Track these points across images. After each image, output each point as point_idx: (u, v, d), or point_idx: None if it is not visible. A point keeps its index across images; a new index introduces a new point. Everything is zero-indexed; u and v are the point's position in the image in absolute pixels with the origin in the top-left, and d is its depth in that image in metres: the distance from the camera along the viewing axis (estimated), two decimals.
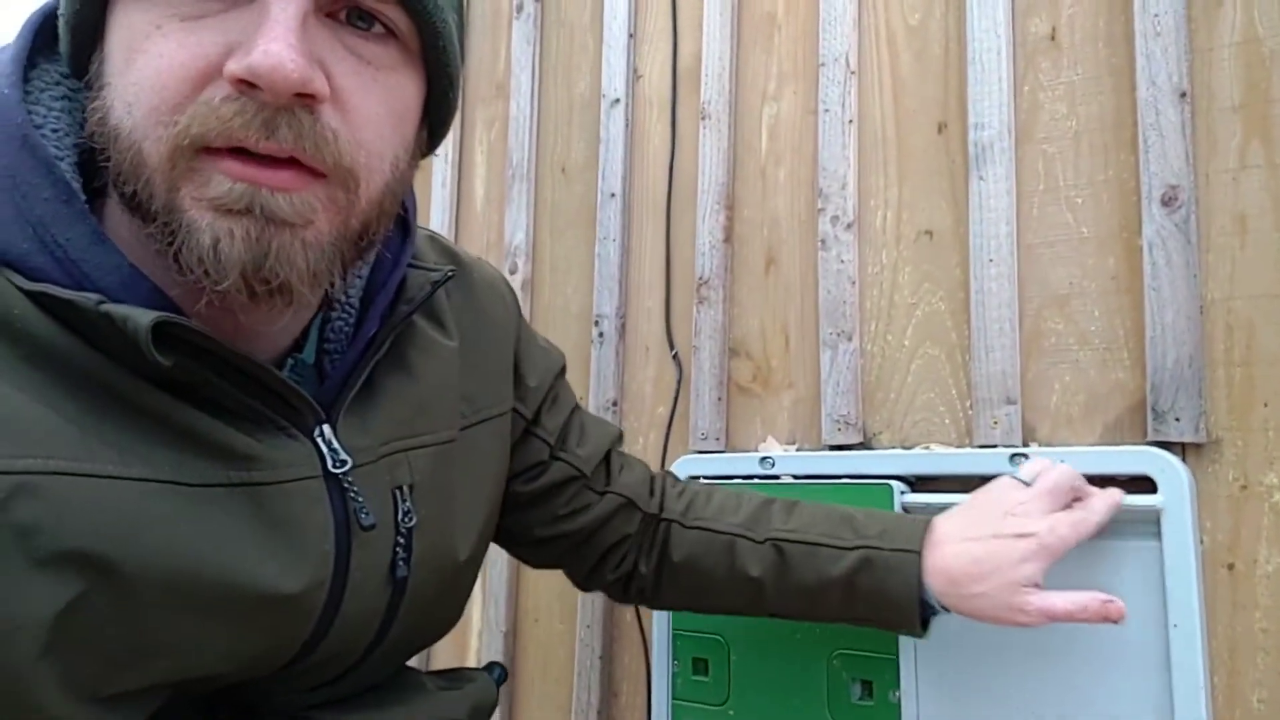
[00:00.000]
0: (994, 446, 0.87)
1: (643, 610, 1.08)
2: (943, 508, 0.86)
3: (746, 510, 0.79)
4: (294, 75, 0.43)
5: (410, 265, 0.60)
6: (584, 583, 0.85)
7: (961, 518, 0.75)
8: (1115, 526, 0.78)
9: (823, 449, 0.99)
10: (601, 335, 1.18)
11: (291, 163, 0.45)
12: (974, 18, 0.94)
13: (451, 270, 0.62)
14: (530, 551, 0.82)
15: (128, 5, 0.45)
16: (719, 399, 1.07)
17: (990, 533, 0.71)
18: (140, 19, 0.44)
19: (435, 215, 1.41)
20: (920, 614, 0.72)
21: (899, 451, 0.93)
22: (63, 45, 0.49)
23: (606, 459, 0.81)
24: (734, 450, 1.06)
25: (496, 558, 1.24)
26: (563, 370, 0.81)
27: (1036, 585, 0.69)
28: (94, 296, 0.44)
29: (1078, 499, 0.75)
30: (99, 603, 0.44)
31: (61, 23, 0.48)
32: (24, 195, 0.45)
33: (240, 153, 0.44)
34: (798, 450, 1.01)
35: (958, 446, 0.91)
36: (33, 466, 0.42)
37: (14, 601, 0.41)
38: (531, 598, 1.23)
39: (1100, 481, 0.81)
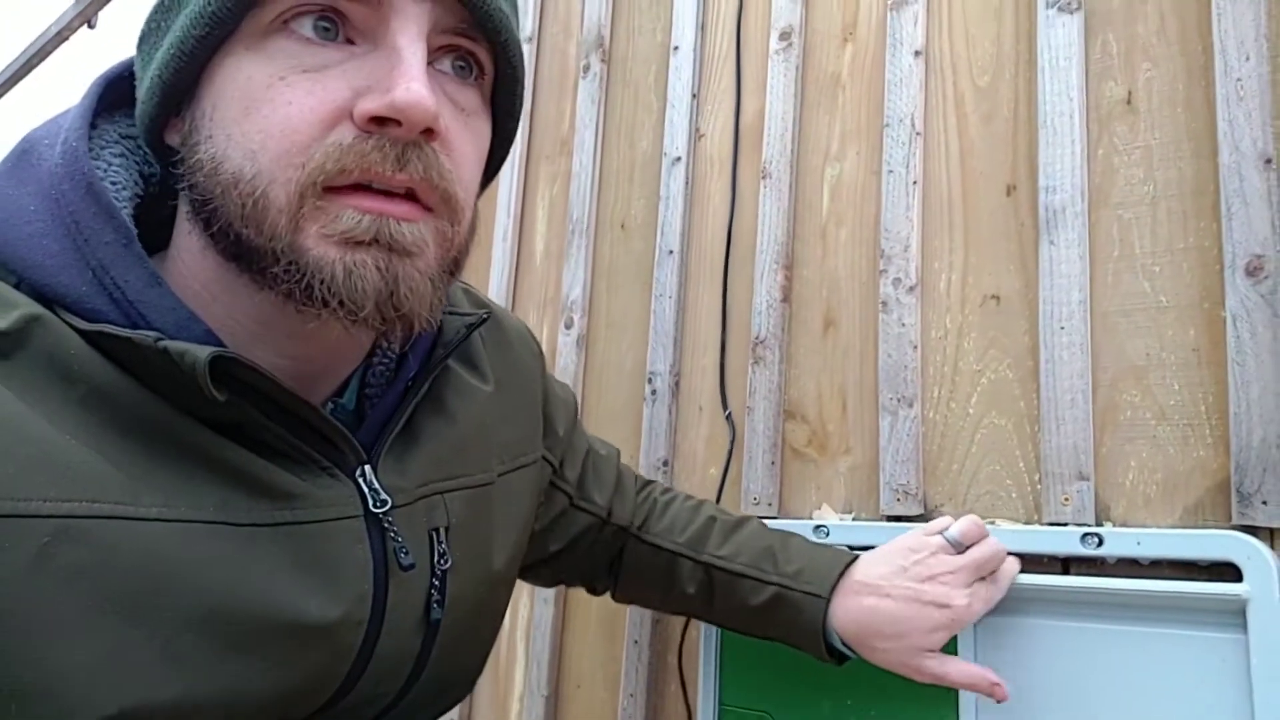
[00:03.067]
0: (1064, 524, 0.83)
1: (688, 683, 1.04)
2: (1010, 588, 0.81)
3: (693, 529, 0.84)
4: (432, 109, 0.46)
5: (446, 312, 0.62)
6: (558, 585, 0.96)
7: (884, 566, 0.76)
8: (1196, 616, 0.73)
9: (880, 519, 0.95)
10: (654, 393, 1.16)
11: (408, 197, 0.48)
12: (1045, 80, 0.92)
13: (485, 314, 0.64)
14: (539, 578, 0.91)
15: (241, 60, 0.47)
16: (772, 463, 1.04)
17: (911, 594, 0.73)
18: (260, 72, 0.46)
19: (495, 269, 1.42)
20: (828, 649, 0.76)
21: None
22: (146, 104, 0.50)
23: (615, 490, 0.86)
24: (787, 516, 1.02)
25: (540, 619, 1.22)
26: (576, 416, 0.85)
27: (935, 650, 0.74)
28: (152, 334, 0.44)
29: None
30: (144, 651, 0.43)
31: (151, 82, 0.50)
32: (86, 239, 0.46)
33: (363, 189, 0.47)
34: (854, 520, 0.97)
35: (1025, 523, 0.86)
36: (77, 510, 0.42)
37: (60, 651, 0.41)
38: (574, 663, 1.19)
39: (1181, 567, 0.76)
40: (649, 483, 0.92)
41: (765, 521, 0.88)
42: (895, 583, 0.74)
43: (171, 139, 0.51)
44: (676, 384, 1.16)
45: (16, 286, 0.46)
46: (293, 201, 0.46)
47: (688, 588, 0.81)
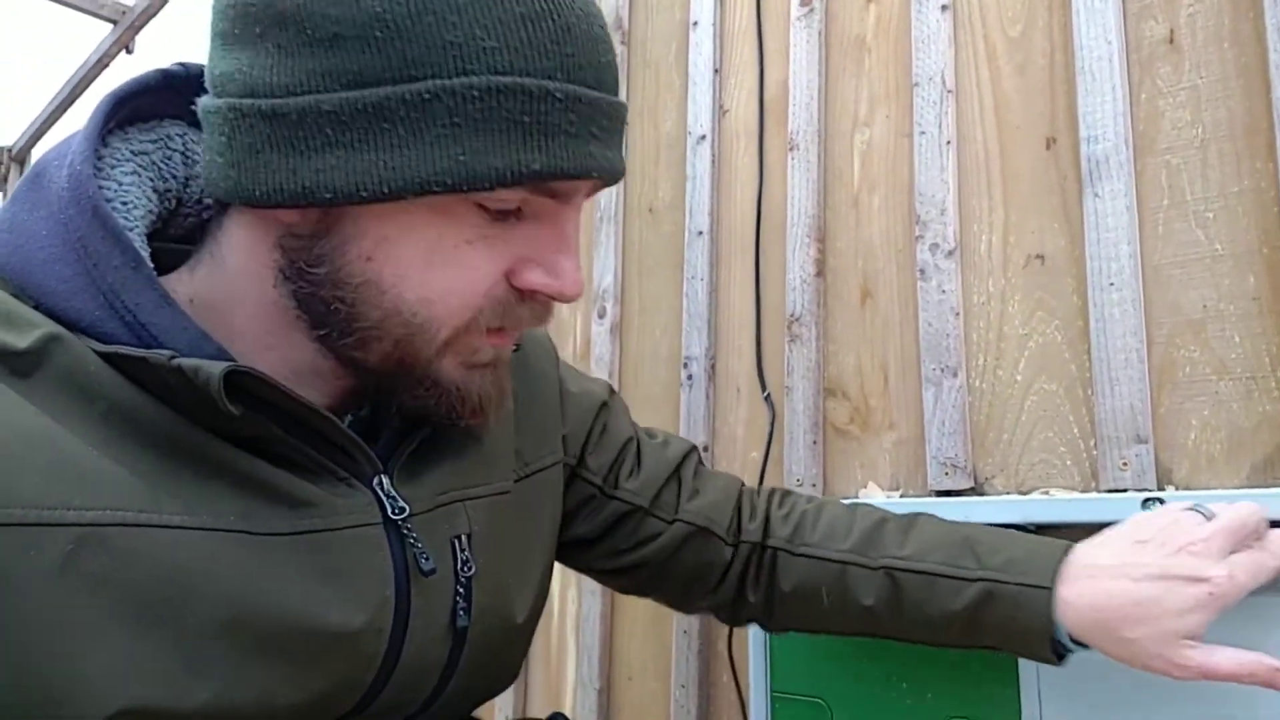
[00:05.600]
0: (1124, 491, 0.78)
1: (739, 671, 1.02)
2: None
3: (859, 532, 0.73)
4: (581, 293, 0.52)
5: None
6: (679, 608, 0.84)
7: (1119, 546, 0.65)
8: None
9: (929, 495, 0.91)
10: (691, 377, 1.14)
11: None
12: (1081, 24, 0.87)
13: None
14: (609, 580, 0.82)
15: (426, 215, 0.48)
16: (814, 441, 1.01)
17: (1157, 571, 0.61)
18: (449, 232, 0.49)
19: None
20: (1053, 649, 0.65)
21: (1015, 497, 0.85)
22: (261, 181, 0.47)
23: (673, 482, 0.77)
24: (832, 496, 0.99)
25: (590, 612, 1.20)
26: (603, 405, 0.78)
27: (1197, 637, 0.60)
28: (166, 352, 0.45)
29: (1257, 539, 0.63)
30: (167, 656, 0.44)
31: (290, 180, 0.46)
32: (95, 264, 0.47)
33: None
34: (902, 496, 0.94)
35: (1082, 491, 0.82)
36: (101, 519, 0.42)
37: (84, 656, 0.41)
38: (625, 654, 1.17)
39: None
40: (785, 493, 0.80)
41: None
42: (1132, 560, 0.62)
43: (286, 215, 0.49)
44: (713, 367, 1.14)
45: (36, 309, 0.47)
46: (448, 335, 0.50)
47: (864, 599, 0.70)
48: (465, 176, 0.45)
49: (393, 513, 0.53)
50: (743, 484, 0.81)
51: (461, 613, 0.58)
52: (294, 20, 0.45)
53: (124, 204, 0.50)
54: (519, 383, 0.69)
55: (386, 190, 0.46)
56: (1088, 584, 0.63)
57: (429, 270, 0.49)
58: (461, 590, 0.58)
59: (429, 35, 0.44)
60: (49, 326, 0.45)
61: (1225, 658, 0.59)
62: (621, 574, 0.78)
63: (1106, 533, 0.67)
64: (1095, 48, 0.86)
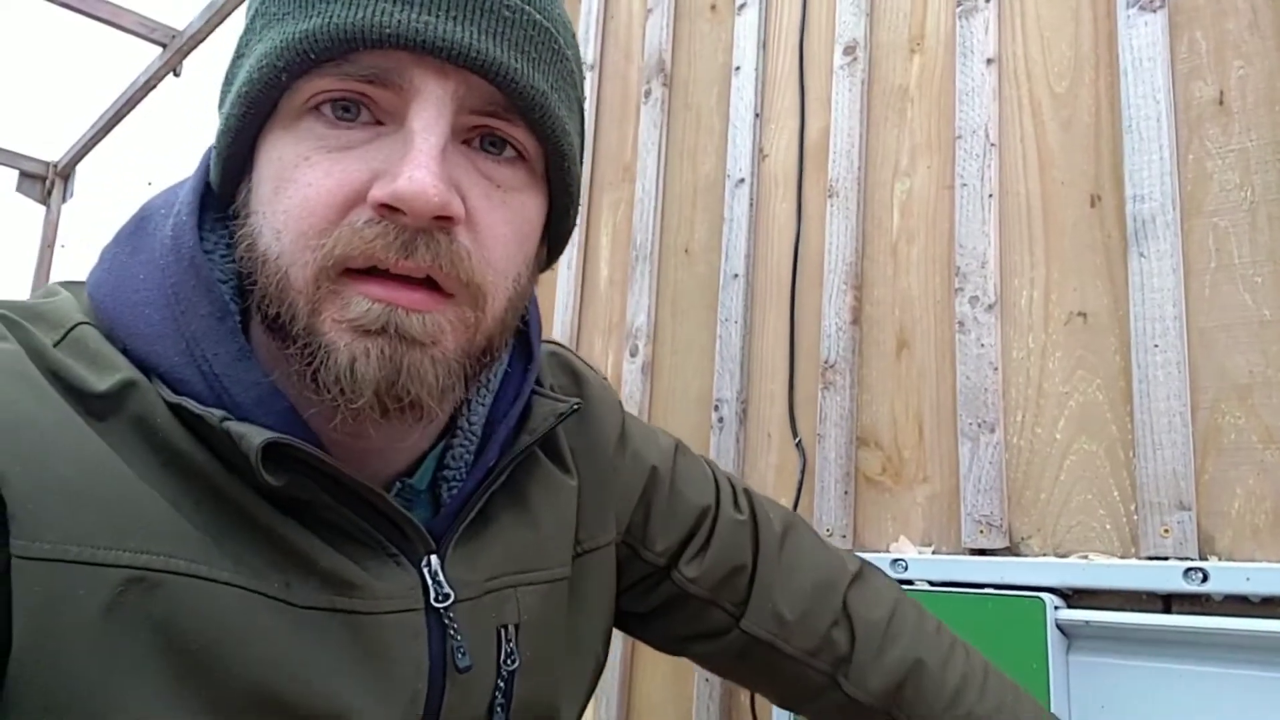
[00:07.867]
0: (1165, 558, 0.77)
1: None
2: (1105, 627, 0.76)
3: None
4: (435, 200, 0.44)
5: (534, 391, 0.59)
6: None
7: None
8: None
9: (962, 552, 0.89)
10: (721, 420, 1.13)
11: (425, 284, 0.47)
12: (1129, 83, 0.87)
13: (577, 403, 0.59)
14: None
15: (277, 139, 0.47)
16: (845, 492, 0.99)
17: None
18: (289, 151, 0.46)
19: (560, 297, 1.41)
20: None
21: (1052, 559, 0.83)
22: (213, 175, 0.51)
23: (742, 573, 0.69)
24: (862, 549, 0.97)
25: (611, 653, 1.19)
26: (653, 472, 0.69)
27: None
28: (218, 413, 0.45)
29: None
30: (195, 705, 0.43)
31: (214, 155, 0.51)
32: (183, 311, 0.47)
33: (379, 275, 0.46)
34: (934, 553, 0.92)
35: (1121, 557, 0.80)
36: (153, 564, 0.42)
37: (114, 693, 0.41)
38: (644, 699, 1.16)
39: None
40: (918, 665, 0.67)
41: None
42: None
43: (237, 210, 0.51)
44: (744, 411, 1.13)
45: (124, 353, 0.47)
46: (309, 284, 0.45)
47: None
48: (260, 67, 0.46)
49: (436, 600, 0.51)
50: (851, 581, 0.70)
51: (499, 709, 0.55)
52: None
53: (223, 256, 0.51)
54: (582, 456, 0.65)
55: (231, 112, 0.47)
56: None
57: (275, 199, 0.46)
58: (502, 685, 0.55)
59: None
60: (128, 371, 0.46)
61: None
62: (695, 659, 0.71)
63: None
64: (1143, 106, 0.85)
